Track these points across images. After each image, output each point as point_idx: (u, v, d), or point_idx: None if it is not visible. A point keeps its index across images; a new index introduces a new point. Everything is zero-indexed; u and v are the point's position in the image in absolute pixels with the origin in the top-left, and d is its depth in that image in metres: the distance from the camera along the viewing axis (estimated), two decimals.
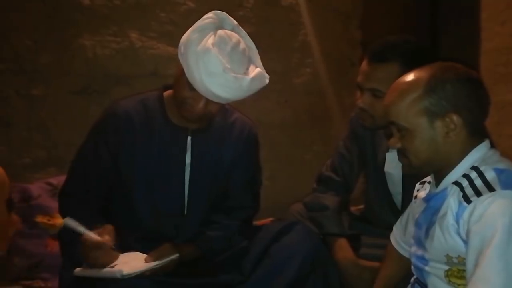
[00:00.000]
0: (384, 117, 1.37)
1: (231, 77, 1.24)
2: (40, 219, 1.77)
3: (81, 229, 1.19)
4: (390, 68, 1.38)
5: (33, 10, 2.00)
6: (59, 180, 1.88)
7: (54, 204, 1.82)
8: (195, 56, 1.23)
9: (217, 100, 1.29)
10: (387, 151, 1.57)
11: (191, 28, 1.29)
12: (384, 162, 1.59)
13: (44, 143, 2.05)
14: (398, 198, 1.59)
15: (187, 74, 1.27)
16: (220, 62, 1.23)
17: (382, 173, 1.60)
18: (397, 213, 1.53)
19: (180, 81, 1.31)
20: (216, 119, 1.46)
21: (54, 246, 1.73)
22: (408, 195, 1.53)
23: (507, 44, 2.27)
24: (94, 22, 2.11)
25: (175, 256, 1.28)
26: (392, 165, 1.55)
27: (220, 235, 1.43)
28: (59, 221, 1.79)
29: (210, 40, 1.24)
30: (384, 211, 1.63)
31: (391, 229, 1.35)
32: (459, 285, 1.06)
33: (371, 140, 1.64)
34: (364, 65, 1.46)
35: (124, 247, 1.28)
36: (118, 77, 2.19)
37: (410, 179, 1.51)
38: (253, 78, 1.29)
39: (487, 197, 0.99)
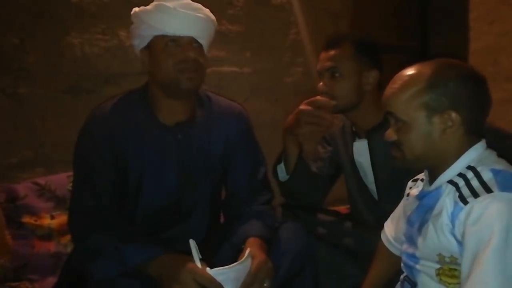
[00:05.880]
0: (347, 98, 1.49)
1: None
2: (27, 219, 1.73)
3: (198, 258, 1.15)
4: (343, 48, 1.51)
5: (20, 7, 1.97)
6: (46, 180, 1.85)
7: (41, 204, 1.79)
8: (153, 12, 1.36)
9: (192, 31, 1.34)
10: (354, 141, 1.60)
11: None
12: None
13: (32, 143, 2.02)
14: (373, 188, 1.60)
15: (158, 31, 1.33)
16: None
17: (355, 164, 1.62)
18: (374, 204, 1.56)
19: (158, 57, 1.33)
20: (198, 112, 1.43)
21: (41, 247, 1.70)
22: (381, 183, 1.57)
23: (495, 44, 2.27)
24: (82, 20, 2.09)
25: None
26: (360, 152, 1.59)
27: (257, 221, 1.38)
28: (46, 221, 1.77)
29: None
30: (364, 204, 1.64)
31: (374, 224, 1.34)
32: (449, 283, 1.06)
33: (341, 135, 1.67)
34: (321, 55, 1.57)
35: None
36: (107, 76, 2.16)
37: (380, 166, 1.53)
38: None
39: (484, 198, 0.98)
